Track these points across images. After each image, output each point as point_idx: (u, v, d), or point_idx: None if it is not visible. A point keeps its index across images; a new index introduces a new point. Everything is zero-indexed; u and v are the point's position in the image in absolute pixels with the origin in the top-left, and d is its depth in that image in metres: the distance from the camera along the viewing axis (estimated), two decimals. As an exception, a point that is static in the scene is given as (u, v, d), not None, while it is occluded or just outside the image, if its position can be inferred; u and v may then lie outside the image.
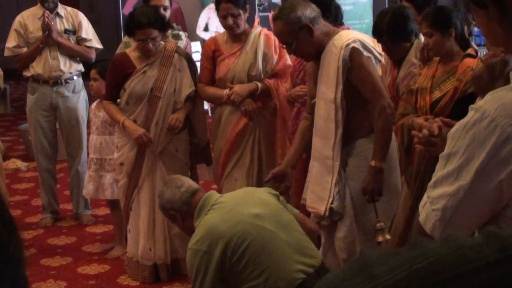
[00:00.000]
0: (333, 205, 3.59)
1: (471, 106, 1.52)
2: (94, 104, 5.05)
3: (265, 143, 4.55)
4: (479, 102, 1.52)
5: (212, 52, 4.54)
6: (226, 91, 4.44)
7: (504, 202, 1.48)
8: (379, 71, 3.70)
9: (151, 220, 4.57)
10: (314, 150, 3.72)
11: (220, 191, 4.35)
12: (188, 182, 3.36)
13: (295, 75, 4.37)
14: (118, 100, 4.55)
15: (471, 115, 1.49)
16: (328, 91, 3.57)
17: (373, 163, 3.51)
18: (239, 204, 3.19)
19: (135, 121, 4.47)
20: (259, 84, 4.46)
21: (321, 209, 3.62)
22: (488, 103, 1.47)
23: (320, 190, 3.65)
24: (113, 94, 4.55)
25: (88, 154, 5.32)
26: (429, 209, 1.55)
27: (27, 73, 5.58)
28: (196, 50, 8.09)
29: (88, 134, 5.22)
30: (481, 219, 1.53)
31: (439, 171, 1.54)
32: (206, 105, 6.58)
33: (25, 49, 5.54)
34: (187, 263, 3.09)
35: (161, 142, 4.51)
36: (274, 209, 3.20)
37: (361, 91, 3.55)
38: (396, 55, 4.11)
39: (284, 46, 3.72)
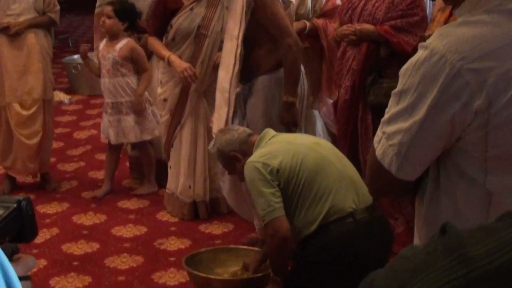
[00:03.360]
0: None
1: (420, 44, 1.56)
2: (101, 45, 4.92)
3: (309, 85, 4.46)
4: (428, 40, 1.56)
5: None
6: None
7: (456, 136, 1.53)
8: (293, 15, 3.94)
9: (192, 158, 4.57)
10: (218, 81, 4.00)
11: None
12: (242, 127, 3.50)
13: (343, 13, 4.26)
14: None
15: (420, 53, 1.52)
16: (234, 28, 3.80)
17: (285, 97, 3.77)
18: (299, 137, 3.31)
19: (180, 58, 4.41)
20: (307, 23, 4.36)
21: None
22: (436, 40, 1.51)
23: (219, 119, 3.93)
24: (159, 30, 4.49)
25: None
26: (385, 144, 1.58)
27: None
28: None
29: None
30: (434, 153, 1.58)
31: (393, 108, 1.57)
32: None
33: None
34: (246, 177, 3.09)
35: (206, 81, 4.46)
36: (332, 147, 3.27)
37: (268, 29, 3.77)
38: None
39: None
